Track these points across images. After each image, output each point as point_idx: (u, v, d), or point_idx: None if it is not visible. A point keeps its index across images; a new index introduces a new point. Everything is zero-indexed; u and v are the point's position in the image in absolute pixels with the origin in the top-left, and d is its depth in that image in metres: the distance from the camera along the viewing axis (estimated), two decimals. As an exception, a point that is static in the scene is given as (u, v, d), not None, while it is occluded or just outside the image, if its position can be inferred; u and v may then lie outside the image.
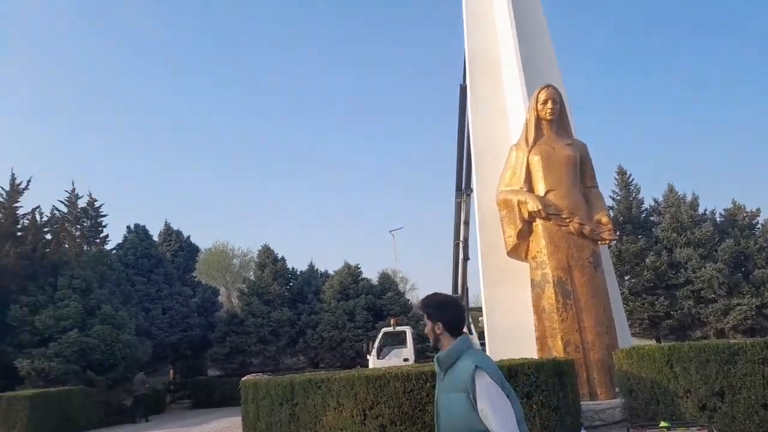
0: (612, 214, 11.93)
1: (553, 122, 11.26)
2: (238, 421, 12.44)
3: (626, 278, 25.22)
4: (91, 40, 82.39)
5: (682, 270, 24.54)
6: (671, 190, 27.18)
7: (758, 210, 26.15)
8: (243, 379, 11.03)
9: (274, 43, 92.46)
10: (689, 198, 26.70)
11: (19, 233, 21.47)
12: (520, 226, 10.94)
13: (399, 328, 22.13)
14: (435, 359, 2.90)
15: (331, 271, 29.68)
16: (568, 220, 10.58)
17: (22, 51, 76.89)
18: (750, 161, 76.06)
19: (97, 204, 26.61)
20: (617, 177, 28.15)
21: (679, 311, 24.24)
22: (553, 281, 10.43)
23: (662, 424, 6.68)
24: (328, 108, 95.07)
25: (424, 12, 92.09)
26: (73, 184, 31.22)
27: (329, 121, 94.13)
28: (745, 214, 26.12)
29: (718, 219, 26.61)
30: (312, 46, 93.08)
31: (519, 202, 10.88)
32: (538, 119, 11.25)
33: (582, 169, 11.27)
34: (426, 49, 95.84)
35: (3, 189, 21.61)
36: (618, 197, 27.61)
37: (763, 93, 79.35)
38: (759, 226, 25.93)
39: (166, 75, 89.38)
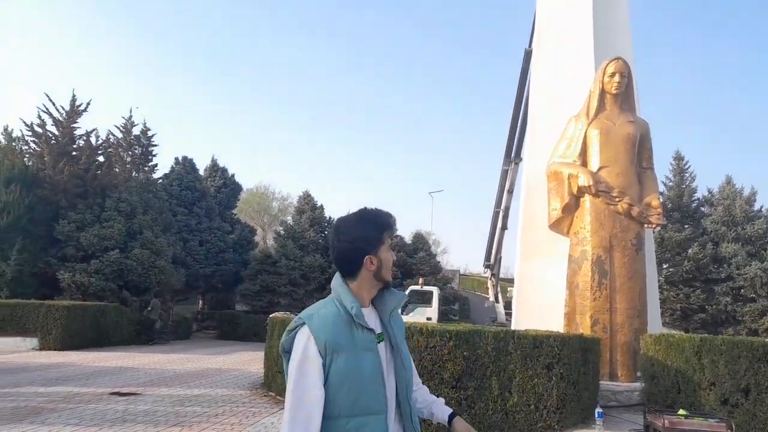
0: (661, 200, 11.55)
1: (618, 97, 10.82)
2: (260, 355, 12.86)
3: (665, 266, 24.65)
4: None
5: (725, 265, 23.82)
6: (729, 182, 26.14)
7: (816, 212, 25.01)
8: (271, 315, 11.34)
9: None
10: (747, 192, 25.66)
11: (74, 153, 22.20)
12: (567, 200, 10.70)
13: (426, 288, 22.36)
14: (375, 306, 2.00)
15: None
16: (617, 199, 10.28)
17: (89, -27, 77.93)
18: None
19: (150, 133, 27.32)
20: (673, 162, 27.25)
21: (714, 306, 23.66)
22: (592, 259, 10.24)
23: (680, 412, 6.59)
24: (381, 64, 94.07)
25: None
26: (130, 111, 31.88)
27: (382, 77, 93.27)
28: (802, 215, 25.01)
29: (774, 217, 25.57)
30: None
31: (570, 175, 10.61)
32: (603, 92, 10.83)
33: (640, 149, 10.86)
34: (489, 10, 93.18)
35: (63, 108, 22.27)
36: (671, 183, 26.75)
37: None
38: (816, 229, 24.80)
39: (226, 14, 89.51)
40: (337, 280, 1.97)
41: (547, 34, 13.54)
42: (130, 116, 26.90)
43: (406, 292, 21.27)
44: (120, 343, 18.78)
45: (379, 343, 1.91)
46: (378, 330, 1.94)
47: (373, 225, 1.97)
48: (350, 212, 2.07)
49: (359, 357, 1.82)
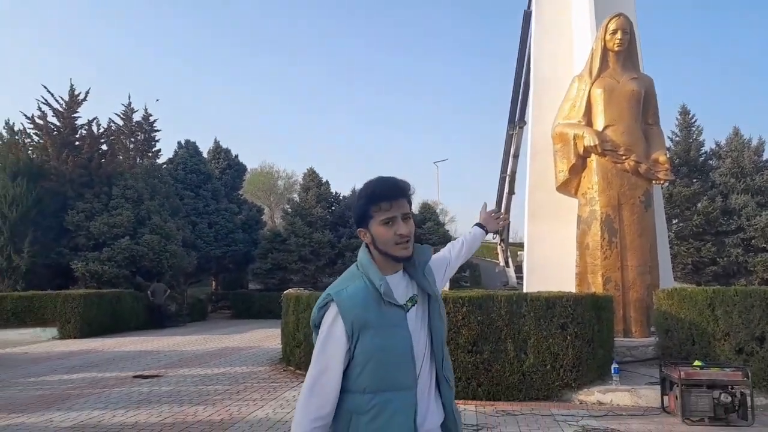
0: (669, 155, 11.44)
1: (621, 54, 10.64)
2: (275, 332, 13.06)
3: (675, 221, 24.60)
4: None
5: (735, 217, 23.75)
6: (736, 133, 25.89)
7: (826, 158, 24.81)
8: (285, 292, 11.43)
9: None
10: (755, 143, 25.42)
11: (77, 143, 22.23)
12: (573, 161, 10.62)
13: (437, 257, 22.42)
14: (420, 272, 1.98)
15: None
16: (624, 157, 10.20)
17: (77, -40, 76.86)
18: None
19: (151, 119, 27.27)
20: (679, 117, 26.96)
21: (725, 258, 23.66)
22: (601, 218, 10.23)
23: (696, 362, 6.66)
24: (382, 34, 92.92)
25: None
26: (129, 98, 31.83)
27: (383, 49, 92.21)
28: (811, 162, 24.83)
29: (784, 166, 25.39)
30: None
31: (575, 136, 10.52)
32: (605, 50, 10.65)
33: (645, 106, 10.72)
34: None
35: (62, 99, 22.22)
36: (677, 138, 26.51)
37: None
38: (826, 175, 24.64)
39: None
40: (363, 253, 1.95)
41: (545, -7, 13.30)
42: (129, 103, 26.87)
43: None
44: (138, 328, 19.08)
45: (410, 309, 1.90)
46: (410, 293, 1.93)
47: (361, 198, 1.93)
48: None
49: (388, 333, 1.81)
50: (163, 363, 11.47)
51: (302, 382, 1.84)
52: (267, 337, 15.88)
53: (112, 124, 25.11)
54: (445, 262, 2.33)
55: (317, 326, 1.88)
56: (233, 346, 14.40)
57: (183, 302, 22.43)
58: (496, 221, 2.65)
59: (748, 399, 6.23)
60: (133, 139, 26.81)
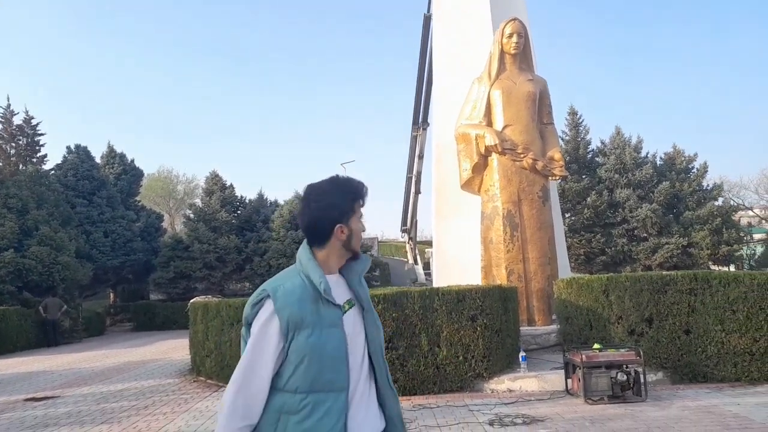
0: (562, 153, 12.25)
1: (517, 57, 11.18)
2: (182, 342, 12.57)
3: (567, 215, 26.17)
4: (19, -60, 75.41)
5: (620, 210, 25.67)
6: (618, 132, 27.96)
7: (695, 155, 27.42)
8: (192, 300, 11.04)
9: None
10: (634, 141, 27.59)
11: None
12: (476, 160, 11.04)
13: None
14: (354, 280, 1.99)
15: (281, 201, 29.40)
16: (522, 156, 10.72)
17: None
18: (694, 104, 78.67)
19: (33, 122, 25.31)
20: (568, 117, 28.67)
21: (613, 248, 25.53)
22: (503, 214, 10.69)
23: (595, 346, 7.13)
24: (284, 32, 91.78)
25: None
26: (8, 99, 29.36)
27: (284, 46, 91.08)
28: (683, 158, 27.31)
29: (658, 162, 27.71)
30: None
31: (477, 137, 10.94)
32: (502, 53, 11.15)
33: (540, 106, 11.34)
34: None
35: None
36: (567, 137, 28.18)
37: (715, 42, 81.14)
38: (694, 170, 27.22)
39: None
40: (304, 251, 1.92)
41: (443, -2, 13.71)
42: (8, 105, 24.81)
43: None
44: (26, 348, 17.64)
45: (347, 312, 1.88)
46: (346, 297, 1.92)
47: (344, 193, 1.92)
48: (322, 179, 2.00)
49: (323, 333, 1.78)
50: (59, 383, 10.70)
51: (215, 392, 1.80)
52: (173, 348, 15.23)
53: (-12, 128, 23.09)
54: None
55: (250, 324, 1.84)
56: (137, 359, 13.68)
57: (78, 317, 20.96)
58: None
59: (642, 377, 6.77)
60: (14, 144, 24.77)
